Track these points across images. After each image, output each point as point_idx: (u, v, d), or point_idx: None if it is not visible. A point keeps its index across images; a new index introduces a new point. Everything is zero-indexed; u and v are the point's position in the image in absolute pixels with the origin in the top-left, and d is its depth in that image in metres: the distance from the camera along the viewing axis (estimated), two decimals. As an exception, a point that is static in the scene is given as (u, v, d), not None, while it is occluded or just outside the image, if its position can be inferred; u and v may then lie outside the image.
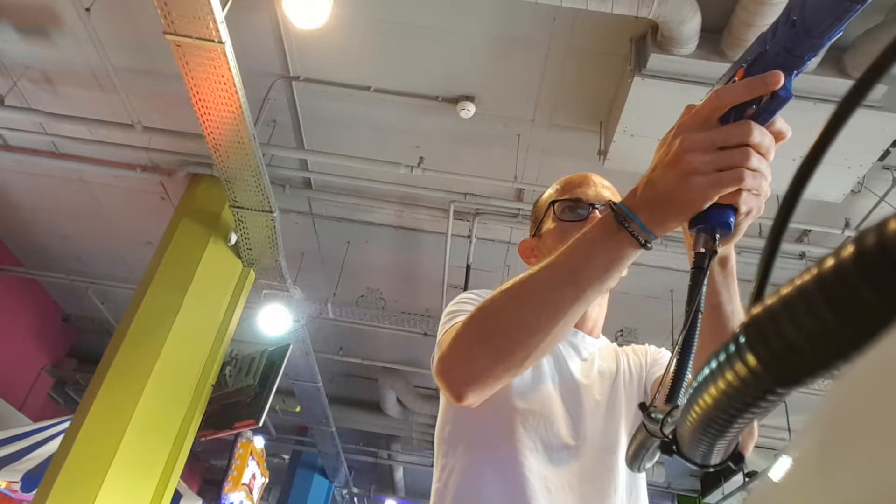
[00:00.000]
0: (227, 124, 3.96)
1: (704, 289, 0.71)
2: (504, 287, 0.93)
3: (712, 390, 0.39)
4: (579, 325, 1.34)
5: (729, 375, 0.35)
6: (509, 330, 0.89)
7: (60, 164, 5.33)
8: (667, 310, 5.73)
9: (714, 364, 0.37)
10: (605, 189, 1.31)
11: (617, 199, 1.29)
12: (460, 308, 1.19)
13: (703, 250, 0.72)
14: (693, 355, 0.68)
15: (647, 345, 1.41)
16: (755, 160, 0.71)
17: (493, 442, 1.15)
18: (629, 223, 0.79)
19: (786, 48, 0.66)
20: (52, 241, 6.66)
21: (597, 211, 1.26)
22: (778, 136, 0.74)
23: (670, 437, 0.60)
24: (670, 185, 0.74)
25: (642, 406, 0.67)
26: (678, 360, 0.67)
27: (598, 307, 1.36)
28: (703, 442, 0.48)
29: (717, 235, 0.73)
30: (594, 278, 0.84)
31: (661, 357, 1.35)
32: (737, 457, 0.56)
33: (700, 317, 0.70)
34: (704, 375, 0.40)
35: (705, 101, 0.73)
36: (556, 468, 1.13)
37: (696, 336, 0.69)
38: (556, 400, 1.21)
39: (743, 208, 0.73)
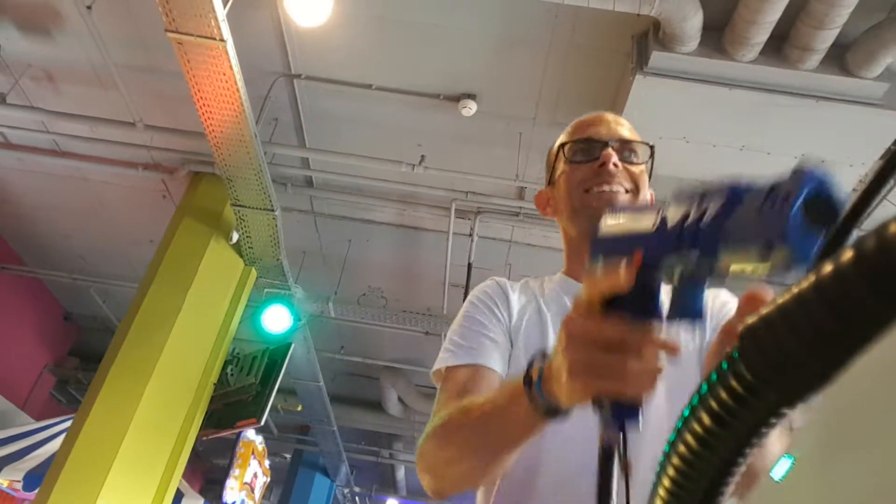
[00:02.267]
0: (229, 122, 3.96)
1: (614, 483, 0.65)
2: (448, 423, 0.98)
3: (701, 425, 0.32)
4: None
5: (722, 398, 0.31)
6: (449, 469, 0.99)
7: (62, 162, 5.34)
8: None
9: (703, 389, 0.32)
10: (620, 126, 1.22)
11: (634, 136, 1.20)
12: (443, 390, 1.12)
13: (606, 440, 0.65)
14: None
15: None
16: (625, 362, 0.61)
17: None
18: (530, 390, 0.75)
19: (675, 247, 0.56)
20: (53, 240, 6.67)
21: (610, 148, 1.15)
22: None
23: None
24: (558, 371, 0.68)
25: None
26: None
27: None
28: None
29: (623, 428, 0.64)
30: (508, 443, 0.86)
31: (729, 301, 1.16)
32: None
33: None
34: (690, 408, 0.33)
35: (584, 286, 0.66)
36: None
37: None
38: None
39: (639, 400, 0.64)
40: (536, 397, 0.74)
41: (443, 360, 1.14)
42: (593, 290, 0.64)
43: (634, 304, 0.61)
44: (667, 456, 0.36)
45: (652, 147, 1.21)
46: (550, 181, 1.27)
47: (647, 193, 1.20)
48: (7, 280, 6.97)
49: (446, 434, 0.98)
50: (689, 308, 0.58)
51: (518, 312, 1.19)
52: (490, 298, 1.21)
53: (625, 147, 1.18)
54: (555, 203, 1.25)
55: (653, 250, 0.59)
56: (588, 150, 1.18)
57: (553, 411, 0.74)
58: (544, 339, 1.15)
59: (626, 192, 1.16)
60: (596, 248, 0.67)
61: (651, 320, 0.62)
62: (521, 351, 1.14)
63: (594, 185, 1.15)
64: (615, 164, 1.14)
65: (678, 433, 0.35)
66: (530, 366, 0.77)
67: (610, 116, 1.23)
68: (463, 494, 1.02)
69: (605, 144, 1.16)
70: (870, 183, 0.30)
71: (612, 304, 0.63)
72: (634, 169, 1.18)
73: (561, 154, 1.22)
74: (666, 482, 0.36)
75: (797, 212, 0.43)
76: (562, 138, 1.25)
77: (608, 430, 0.65)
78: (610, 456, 0.65)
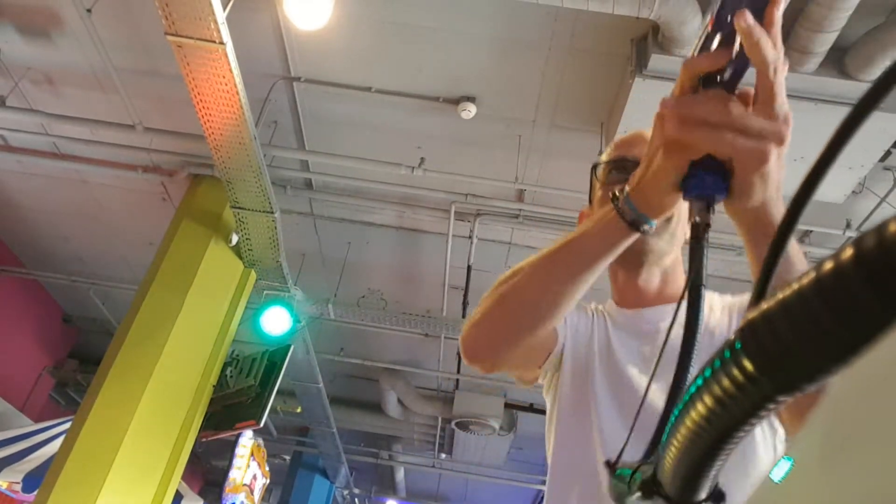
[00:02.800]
0: (229, 125, 3.96)
1: (705, 263, 0.65)
2: (518, 266, 1.00)
3: (704, 403, 0.36)
4: (634, 302, 1.21)
5: (724, 384, 0.33)
6: (515, 306, 0.98)
7: (62, 164, 5.34)
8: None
9: (707, 372, 0.35)
10: None
11: None
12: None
13: (697, 220, 0.68)
14: (696, 352, 0.60)
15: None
16: (720, 116, 0.67)
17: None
18: (619, 202, 0.82)
19: None
20: (53, 242, 6.67)
21: None
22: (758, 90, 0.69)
23: (642, 498, 0.53)
24: (650, 158, 0.75)
25: (608, 464, 0.60)
26: (677, 368, 0.59)
27: (655, 277, 1.21)
28: (690, 469, 0.42)
29: (711, 202, 0.69)
30: (590, 259, 0.89)
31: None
32: (718, 495, 0.48)
33: (703, 299, 0.63)
34: (696, 386, 0.37)
35: (680, 73, 0.72)
36: None
37: (699, 328, 0.61)
38: (614, 422, 1.08)
39: (735, 165, 0.69)
40: (624, 206, 0.80)
41: None
42: (689, 72, 0.70)
43: (728, 82, 0.67)
44: (674, 425, 0.41)
45: None
46: (591, 201, 1.30)
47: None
48: (7, 282, 6.96)
49: (510, 275, 1.00)
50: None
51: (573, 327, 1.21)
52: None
53: None
54: None
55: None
56: (622, 170, 1.18)
57: (637, 222, 0.80)
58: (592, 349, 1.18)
59: None
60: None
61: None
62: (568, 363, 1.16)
63: None
64: None
65: (684, 407, 0.39)
66: (614, 190, 0.83)
67: (647, 135, 1.25)
68: (512, 343, 1.00)
69: (636, 164, 1.18)
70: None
71: (706, 83, 0.69)
72: None
73: (596, 174, 1.24)
74: (678, 437, 0.41)
75: None
76: (601, 157, 1.28)
77: (695, 212, 0.68)
78: (697, 237, 0.67)
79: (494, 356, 1.03)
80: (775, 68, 0.65)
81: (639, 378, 1.12)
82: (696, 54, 0.70)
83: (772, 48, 0.64)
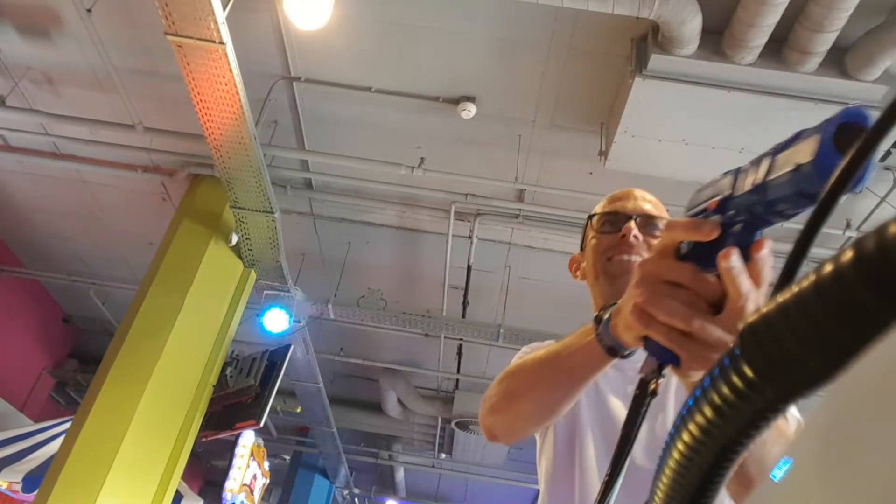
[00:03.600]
0: (228, 125, 3.96)
1: (643, 415, 0.69)
2: (521, 364, 1.11)
3: (702, 415, 0.34)
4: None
5: (724, 392, 0.32)
6: (523, 406, 1.09)
7: (62, 164, 5.34)
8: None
9: (706, 382, 0.34)
10: (646, 202, 1.32)
11: (661, 211, 1.33)
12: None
13: (644, 377, 0.70)
14: (619, 483, 0.67)
15: None
16: (675, 304, 0.66)
17: None
18: (599, 328, 0.84)
19: (748, 208, 0.62)
20: (53, 242, 6.67)
21: (632, 222, 1.26)
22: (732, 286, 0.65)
23: None
24: (625, 301, 0.74)
25: None
26: (604, 484, 0.66)
27: None
28: (685, 489, 0.39)
29: (663, 367, 0.69)
30: (578, 377, 0.95)
31: None
32: None
33: (632, 444, 0.68)
34: (694, 398, 0.36)
35: (663, 233, 0.72)
36: None
37: (625, 465, 0.67)
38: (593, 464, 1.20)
39: (681, 353, 0.68)
40: (602, 333, 0.83)
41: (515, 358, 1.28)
42: (671, 237, 0.70)
43: (704, 258, 0.66)
44: (670, 441, 0.38)
45: None
46: (582, 247, 1.40)
47: None
48: (6, 282, 6.96)
49: (514, 373, 1.12)
50: (742, 245, 0.64)
51: None
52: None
53: (647, 221, 1.29)
54: (583, 268, 1.38)
55: (730, 208, 0.64)
56: (613, 223, 1.30)
57: (613, 349, 0.83)
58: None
59: None
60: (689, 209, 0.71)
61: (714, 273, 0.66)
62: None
63: (616, 254, 1.27)
64: (636, 237, 1.26)
65: (682, 420, 0.37)
66: (603, 308, 0.85)
67: (638, 193, 1.35)
68: (523, 434, 1.13)
69: (629, 218, 1.28)
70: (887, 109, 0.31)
71: (685, 256, 0.69)
72: (655, 241, 1.29)
73: (590, 224, 1.35)
74: (671, 464, 0.38)
75: (828, 137, 0.50)
76: (595, 209, 1.38)
77: (647, 367, 0.71)
78: (641, 392, 0.70)
79: (512, 439, 1.15)
80: (747, 300, 0.64)
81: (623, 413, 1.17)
82: (685, 218, 0.70)
83: (748, 285, 0.63)
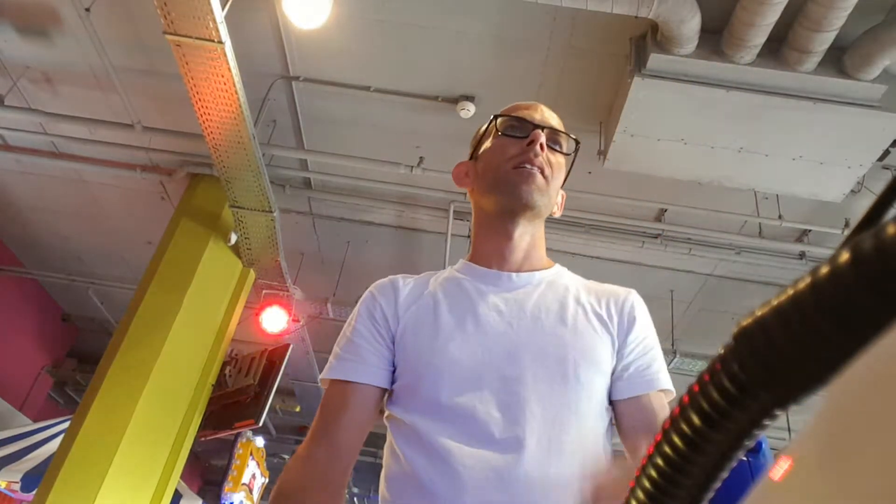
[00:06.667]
0: (227, 124, 3.96)
1: None
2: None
3: (690, 424, 0.32)
4: (499, 263, 1.24)
5: (714, 398, 0.30)
6: None
7: (60, 164, 5.33)
8: (667, 309, 5.73)
9: (695, 386, 0.32)
10: (553, 118, 1.29)
11: (562, 129, 1.30)
12: (325, 403, 1.23)
13: None
14: None
15: (612, 286, 1.29)
16: None
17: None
18: None
19: None
20: (51, 241, 6.66)
21: (539, 132, 1.22)
22: None
23: None
24: None
25: None
26: None
27: (527, 236, 1.25)
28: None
29: None
30: None
31: (638, 319, 1.24)
32: None
33: None
34: (681, 406, 0.33)
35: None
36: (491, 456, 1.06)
37: None
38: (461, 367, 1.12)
39: None
40: None
41: (324, 371, 1.25)
42: None
43: None
44: (650, 457, 0.35)
45: (577, 142, 1.31)
46: (474, 154, 1.35)
47: (558, 185, 1.26)
48: (5, 281, 6.96)
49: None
50: None
51: (405, 309, 1.23)
52: (374, 303, 1.26)
53: (552, 136, 1.26)
54: (474, 175, 1.32)
55: None
56: (521, 128, 1.25)
57: None
58: (437, 326, 1.17)
59: (544, 176, 1.22)
60: None
61: None
62: (409, 350, 1.18)
63: (520, 163, 1.21)
64: (541, 146, 1.21)
65: (664, 434, 0.34)
66: None
67: (544, 107, 1.32)
68: None
69: (536, 126, 1.24)
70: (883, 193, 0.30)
71: None
72: (555, 158, 1.26)
73: (492, 128, 1.29)
74: (646, 483, 0.35)
75: None
76: (500, 113, 1.31)
77: None
78: None
79: None
80: None
81: (497, 322, 1.14)
82: None
83: None
